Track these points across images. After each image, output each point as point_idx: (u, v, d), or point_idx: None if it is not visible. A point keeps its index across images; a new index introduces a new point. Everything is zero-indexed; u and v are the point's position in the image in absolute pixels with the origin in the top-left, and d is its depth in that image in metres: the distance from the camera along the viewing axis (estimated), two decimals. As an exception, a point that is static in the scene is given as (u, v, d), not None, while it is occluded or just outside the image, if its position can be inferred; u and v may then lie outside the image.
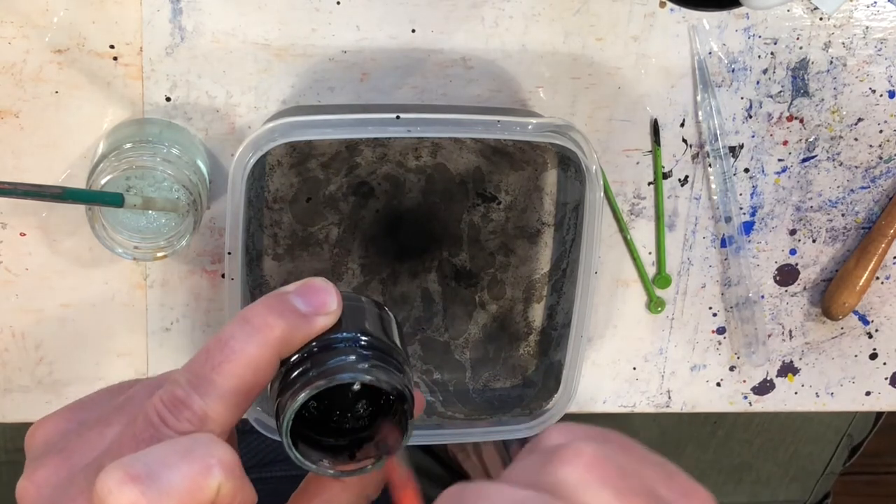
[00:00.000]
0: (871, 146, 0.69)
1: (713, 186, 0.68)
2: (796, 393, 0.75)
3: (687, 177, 0.68)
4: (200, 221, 0.59)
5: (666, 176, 0.68)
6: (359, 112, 0.59)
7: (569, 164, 0.65)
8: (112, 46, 0.60)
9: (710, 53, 0.65)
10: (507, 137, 0.61)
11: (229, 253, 0.59)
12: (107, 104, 0.61)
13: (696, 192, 0.68)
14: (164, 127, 0.61)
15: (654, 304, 0.71)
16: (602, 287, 0.70)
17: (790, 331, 0.73)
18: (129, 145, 0.57)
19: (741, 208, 0.69)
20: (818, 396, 0.76)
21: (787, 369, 0.74)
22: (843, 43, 0.66)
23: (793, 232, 0.71)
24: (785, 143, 0.68)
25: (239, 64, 0.62)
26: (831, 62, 0.66)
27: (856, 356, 0.75)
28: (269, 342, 0.37)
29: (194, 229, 0.58)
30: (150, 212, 0.58)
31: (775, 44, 0.65)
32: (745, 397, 0.75)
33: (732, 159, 0.68)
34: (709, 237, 0.70)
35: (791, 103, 0.67)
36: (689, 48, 0.65)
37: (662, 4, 0.64)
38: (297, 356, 0.39)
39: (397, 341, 0.42)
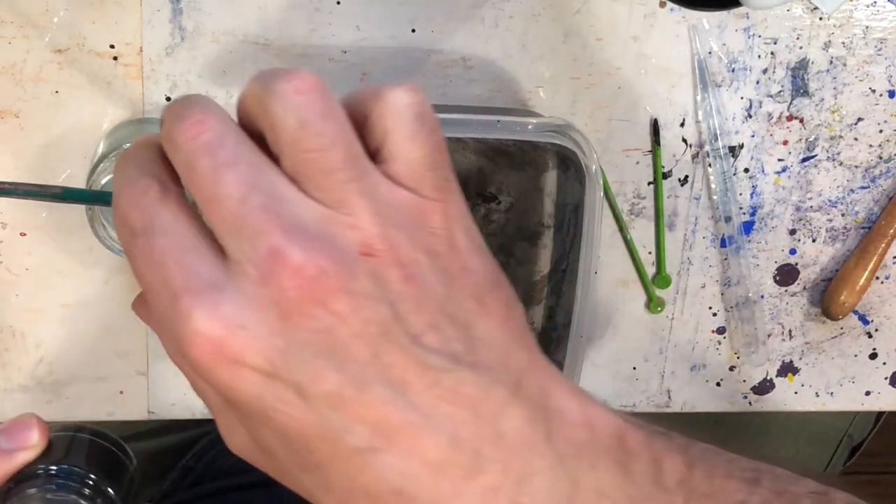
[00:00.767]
0: (871, 146, 0.69)
1: (713, 186, 0.68)
2: (796, 393, 0.75)
3: (687, 177, 0.68)
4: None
5: (666, 176, 0.68)
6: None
7: (569, 164, 0.64)
8: (112, 46, 0.60)
9: (710, 53, 0.65)
10: (507, 137, 0.61)
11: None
12: (107, 104, 0.61)
13: (695, 192, 0.69)
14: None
15: (654, 304, 0.71)
16: (602, 287, 0.70)
17: (790, 331, 0.73)
18: (128, 145, 0.58)
19: (741, 208, 0.69)
20: (818, 396, 0.76)
21: (787, 369, 0.74)
22: (843, 43, 0.66)
23: (793, 232, 0.71)
24: (785, 142, 0.68)
25: (239, 64, 0.62)
26: (831, 62, 0.66)
27: (856, 356, 0.75)
28: None
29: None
30: None
31: (775, 44, 0.65)
32: (745, 397, 0.75)
33: (732, 159, 0.68)
34: (709, 237, 0.70)
35: (791, 103, 0.67)
36: (689, 48, 0.65)
37: (662, 4, 0.64)
38: (5, 487, 0.46)
39: (105, 472, 0.50)
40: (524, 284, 0.68)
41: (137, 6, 0.60)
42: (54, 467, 0.47)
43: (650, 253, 0.70)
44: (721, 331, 0.73)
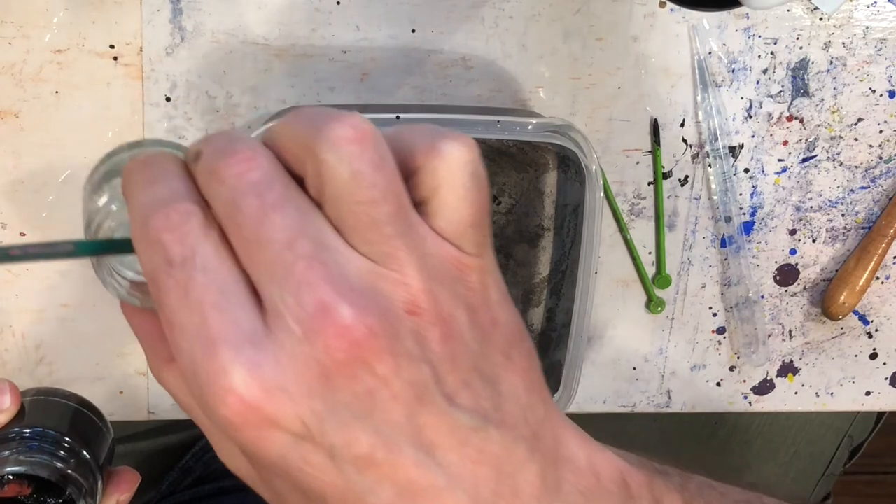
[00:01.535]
0: (871, 146, 0.69)
1: (713, 186, 0.68)
2: (796, 393, 0.75)
3: (687, 177, 0.68)
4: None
5: (666, 176, 0.68)
6: (358, 112, 0.59)
7: (569, 165, 0.64)
8: (112, 46, 0.60)
9: (710, 53, 0.65)
10: (507, 137, 0.61)
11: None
12: (107, 104, 0.61)
13: (696, 192, 0.68)
14: (163, 147, 0.61)
15: (654, 304, 0.71)
16: (602, 287, 0.70)
17: (790, 331, 0.73)
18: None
19: (741, 208, 0.69)
20: (818, 396, 0.76)
21: (787, 369, 0.74)
22: (843, 43, 0.66)
23: (793, 232, 0.71)
24: (785, 143, 0.68)
25: (239, 64, 0.62)
26: (831, 62, 0.66)
27: (856, 356, 0.75)
28: None
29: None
30: None
31: (775, 44, 0.65)
32: (745, 397, 0.75)
33: (732, 159, 0.68)
34: (709, 237, 0.70)
35: (791, 103, 0.67)
36: (689, 48, 0.65)
37: (662, 4, 0.64)
38: None
39: (80, 435, 0.51)
40: (524, 286, 0.68)
41: (137, 6, 0.60)
42: (28, 430, 0.48)
43: (650, 253, 0.70)
44: (721, 331, 0.73)
